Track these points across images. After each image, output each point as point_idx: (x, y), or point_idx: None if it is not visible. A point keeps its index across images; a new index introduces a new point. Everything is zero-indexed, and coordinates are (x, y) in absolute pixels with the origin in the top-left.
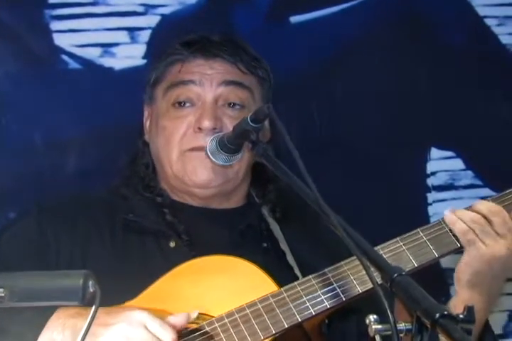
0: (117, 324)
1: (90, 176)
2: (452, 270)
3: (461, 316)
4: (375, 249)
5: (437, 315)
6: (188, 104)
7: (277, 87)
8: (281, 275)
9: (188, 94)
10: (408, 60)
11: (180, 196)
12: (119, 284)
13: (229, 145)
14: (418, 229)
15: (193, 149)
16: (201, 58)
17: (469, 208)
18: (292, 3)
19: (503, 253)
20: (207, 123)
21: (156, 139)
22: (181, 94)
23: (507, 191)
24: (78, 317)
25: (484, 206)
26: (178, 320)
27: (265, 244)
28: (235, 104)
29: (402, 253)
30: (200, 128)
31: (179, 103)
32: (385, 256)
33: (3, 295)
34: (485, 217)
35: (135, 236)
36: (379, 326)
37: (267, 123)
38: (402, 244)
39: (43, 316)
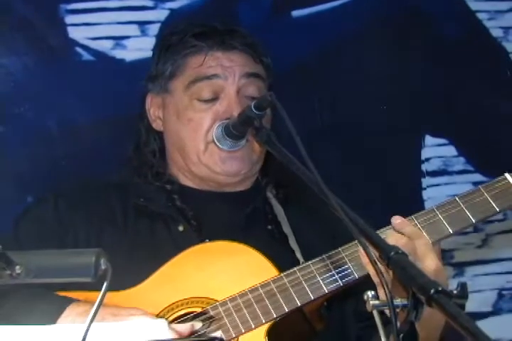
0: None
1: (102, 162)
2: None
3: (454, 292)
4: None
5: (432, 290)
6: (213, 97)
7: (279, 78)
8: (283, 258)
9: (213, 88)
10: (405, 53)
11: (193, 181)
12: (131, 266)
13: (234, 131)
14: (455, 197)
15: None
16: (218, 50)
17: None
18: None
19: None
20: (236, 113)
21: (177, 129)
22: (206, 89)
23: (474, 190)
24: (87, 315)
25: (391, 238)
26: (183, 328)
27: (269, 227)
28: (254, 98)
29: (438, 220)
30: (228, 119)
31: (204, 97)
32: (419, 226)
33: (19, 271)
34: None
35: (146, 220)
36: (376, 302)
37: (268, 110)
38: (438, 212)
39: (54, 312)
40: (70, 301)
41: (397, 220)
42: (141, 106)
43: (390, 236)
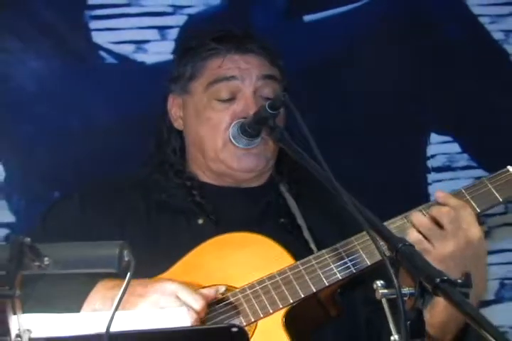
0: (151, 294)
1: (124, 160)
2: None
3: (459, 281)
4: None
5: (438, 280)
6: (231, 97)
7: (291, 80)
8: (298, 248)
9: (231, 89)
10: (411, 55)
11: (212, 178)
12: (153, 258)
13: (249, 130)
14: (461, 189)
15: None
16: (236, 53)
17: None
18: (306, 4)
19: (451, 250)
20: (252, 113)
21: (197, 128)
22: (224, 89)
23: (478, 181)
24: (117, 288)
25: (434, 210)
26: (208, 292)
27: (283, 220)
28: (269, 98)
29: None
30: (245, 118)
31: (222, 97)
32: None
33: (48, 263)
34: (435, 220)
35: (167, 215)
36: (385, 290)
37: (282, 109)
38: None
39: (84, 289)
40: (97, 280)
41: (440, 193)
42: (163, 107)
43: (433, 209)
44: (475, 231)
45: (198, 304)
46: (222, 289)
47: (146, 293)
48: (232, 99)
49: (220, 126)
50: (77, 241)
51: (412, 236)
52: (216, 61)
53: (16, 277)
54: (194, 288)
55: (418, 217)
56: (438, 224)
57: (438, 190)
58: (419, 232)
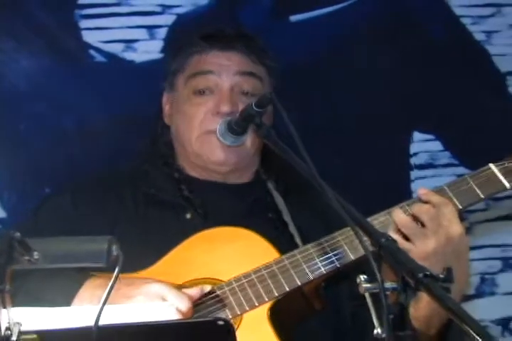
0: (137, 296)
1: (115, 157)
2: None
3: (441, 276)
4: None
5: (420, 275)
6: (207, 92)
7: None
8: (283, 243)
9: (207, 83)
10: (396, 55)
11: (197, 172)
12: (142, 252)
13: (236, 127)
14: (443, 186)
15: (210, 132)
16: (218, 50)
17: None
18: (292, 4)
19: (432, 247)
20: (225, 108)
21: (177, 122)
22: (201, 83)
23: (460, 179)
24: (104, 286)
25: (415, 207)
26: (193, 292)
27: (270, 215)
28: (247, 93)
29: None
30: (218, 112)
31: (199, 91)
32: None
33: (37, 257)
34: (416, 217)
35: (156, 209)
36: (368, 285)
37: (270, 108)
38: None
39: (73, 286)
40: (87, 276)
41: (423, 191)
42: (157, 104)
43: (414, 207)
44: (456, 228)
45: (184, 305)
46: (207, 289)
47: (132, 294)
48: (209, 94)
49: (194, 120)
50: (69, 236)
51: (394, 235)
52: (199, 57)
53: (6, 271)
54: (180, 284)
55: (399, 215)
56: (419, 222)
57: (421, 188)
58: (400, 231)
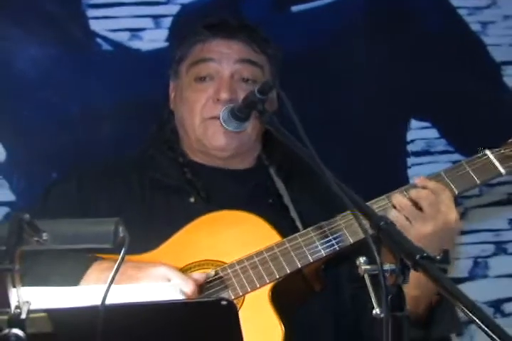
0: (143, 278)
1: (119, 142)
2: None
3: (438, 257)
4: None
5: (418, 256)
6: (207, 79)
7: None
8: (284, 226)
9: (208, 70)
10: (393, 46)
11: (200, 157)
12: (147, 234)
13: (239, 114)
14: (441, 171)
15: (212, 118)
16: (220, 38)
17: (404, 193)
18: None
19: (429, 231)
20: (224, 95)
21: (180, 108)
22: (202, 70)
23: (457, 164)
24: (111, 270)
25: (413, 193)
26: (199, 276)
27: (271, 200)
28: (248, 80)
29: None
30: (218, 99)
31: (200, 78)
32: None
33: (46, 238)
34: (415, 202)
35: (161, 193)
36: (368, 266)
37: (274, 95)
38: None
39: (80, 268)
40: (94, 259)
41: (419, 178)
42: (163, 91)
43: (412, 192)
44: (452, 214)
45: (189, 288)
46: (211, 274)
47: (139, 277)
48: (210, 81)
49: (195, 105)
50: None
51: (392, 214)
52: (201, 45)
53: (16, 252)
54: (184, 265)
55: (399, 198)
56: (417, 206)
57: (416, 178)
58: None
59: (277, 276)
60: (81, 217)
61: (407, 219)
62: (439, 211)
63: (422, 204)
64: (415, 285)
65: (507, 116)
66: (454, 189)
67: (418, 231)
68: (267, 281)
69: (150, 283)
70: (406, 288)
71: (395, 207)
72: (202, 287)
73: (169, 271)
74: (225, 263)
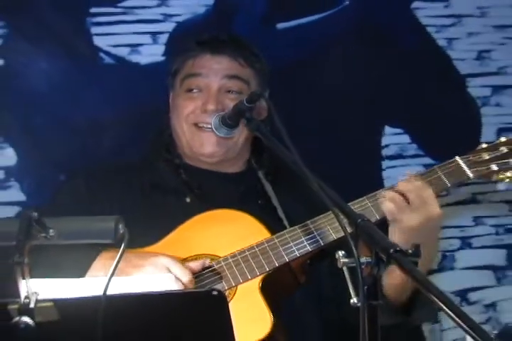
0: (145, 266)
1: (121, 148)
2: None
3: (409, 251)
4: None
5: (391, 250)
6: (197, 90)
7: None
8: (273, 225)
9: (198, 83)
10: (370, 60)
11: (193, 161)
12: (147, 231)
13: (229, 121)
14: (434, 167)
15: (196, 124)
16: (209, 54)
17: (393, 188)
18: (279, 13)
19: (416, 223)
20: (211, 106)
21: (173, 116)
22: (192, 84)
23: (430, 169)
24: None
25: (402, 185)
26: (195, 265)
27: (260, 201)
28: (233, 91)
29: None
30: (205, 110)
31: (190, 90)
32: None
33: (53, 234)
34: (403, 195)
35: (159, 194)
36: (346, 259)
37: (264, 104)
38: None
39: (87, 260)
40: (98, 252)
41: (407, 175)
42: (162, 102)
43: (400, 185)
44: (437, 208)
45: (185, 277)
46: (207, 262)
47: (141, 265)
48: (199, 92)
49: (183, 111)
50: (83, 216)
51: (387, 206)
52: (192, 61)
53: (25, 247)
54: (182, 258)
55: (389, 192)
56: (406, 198)
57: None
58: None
59: (267, 269)
60: (89, 213)
61: (398, 210)
62: (425, 203)
63: (410, 195)
64: (399, 274)
65: (471, 123)
66: None
67: (406, 223)
68: (258, 273)
69: (148, 275)
70: (391, 277)
71: (387, 200)
72: (197, 276)
73: (169, 261)
74: (219, 257)
